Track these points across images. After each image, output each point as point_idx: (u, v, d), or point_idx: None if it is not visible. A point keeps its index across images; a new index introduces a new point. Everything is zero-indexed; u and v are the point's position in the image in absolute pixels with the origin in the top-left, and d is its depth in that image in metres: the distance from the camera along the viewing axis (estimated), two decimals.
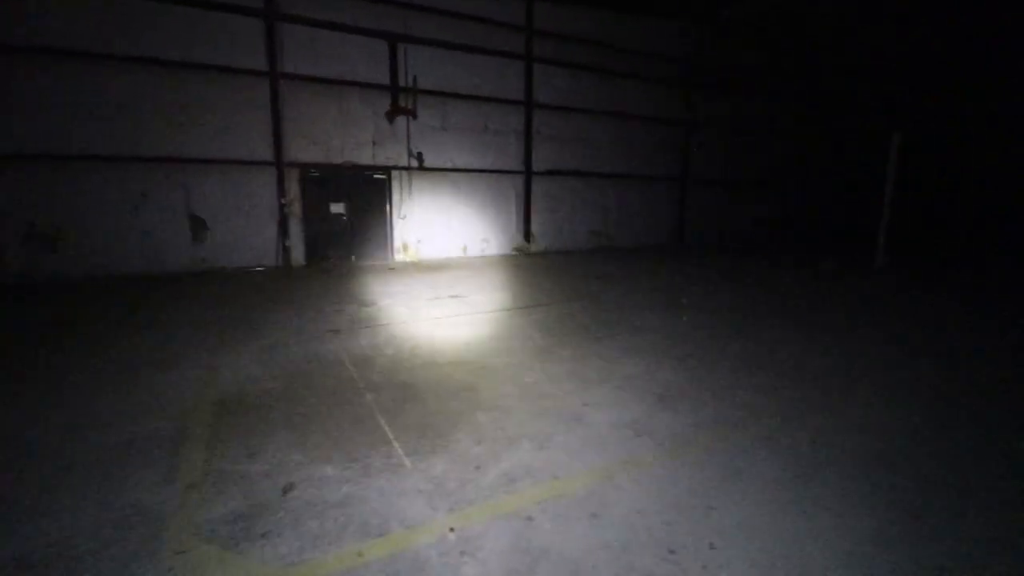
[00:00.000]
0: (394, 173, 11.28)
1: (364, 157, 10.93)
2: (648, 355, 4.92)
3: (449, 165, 11.89)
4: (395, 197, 11.38)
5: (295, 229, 10.49)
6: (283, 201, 10.21)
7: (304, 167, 10.42)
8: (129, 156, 8.97)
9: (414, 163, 11.37)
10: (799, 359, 4.88)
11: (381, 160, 11.11)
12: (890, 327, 6.18)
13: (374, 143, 10.98)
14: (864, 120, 18.35)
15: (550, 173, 13.29)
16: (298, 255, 10.57)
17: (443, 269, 10.49)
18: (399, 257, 11.59)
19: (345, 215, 10.99)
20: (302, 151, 10.34)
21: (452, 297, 7.66)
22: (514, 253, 13.04)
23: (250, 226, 10.09)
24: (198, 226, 9.70)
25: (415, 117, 11.08)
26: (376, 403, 3.77)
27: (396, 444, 3.17)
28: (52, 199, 8.57)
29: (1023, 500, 2.68)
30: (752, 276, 9.96)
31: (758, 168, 17.53)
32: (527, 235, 13.15)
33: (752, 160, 17.32)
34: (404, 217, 11.53)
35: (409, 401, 3.83)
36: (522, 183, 12.92)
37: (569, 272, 10.30)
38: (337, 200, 10.89)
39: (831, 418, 3.60)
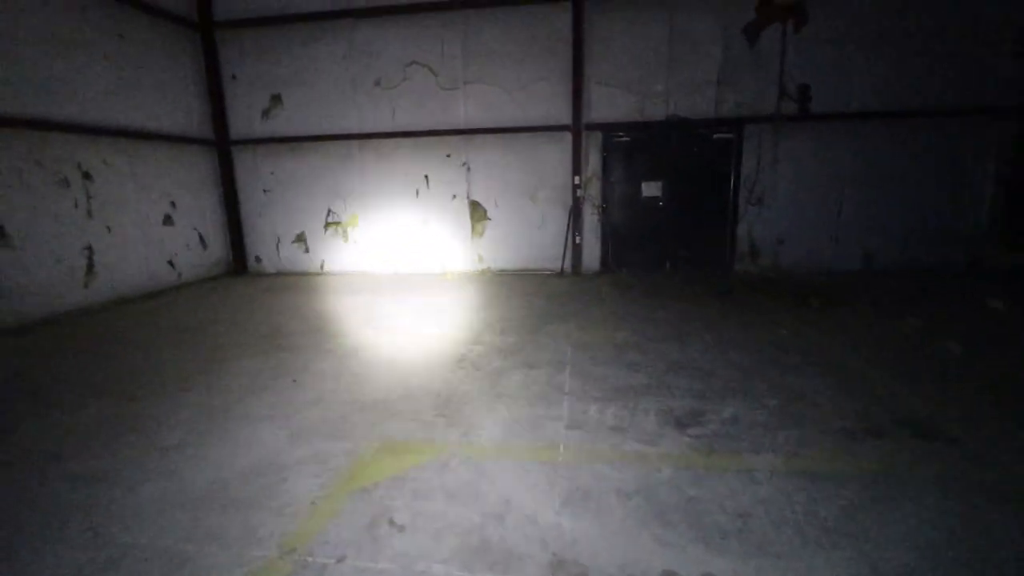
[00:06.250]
0: (748, 129, 6.87)
1: (700, 106, 6.88)
2: None
3: (854, 107, 6.69)
4: (744, 168, 7.00)
5: (589, 220, 7.38)
6: (577, 181, 7.17)
7: (608, 129, 7.11)
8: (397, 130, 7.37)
9: (790, 106, 6.65)
10: None
11: (728, 109, 6.84)
12: None
13: (719, 82, 6.78)
14: None
15: None
16: (590, 258, 7.47)
17: (839, 297, 5.63)
18: (740, 266, 7.24)
19: (661, 198, 7.27)
20: (607, 105, 7.03)
21: None
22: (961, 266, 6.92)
23: (533, 216, 7.47)
24: (478, 215, 7.61)
25: (802, 24, 6.35)
26: None
27: None
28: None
29: None
30: None
31: None
32: (1008, 235, 6.78)
33: None
34: (758, 202, 7.04)
35: None
36: (995, 133, 6.61)
37: None
38: (652, 177, 7.25)
39: None
